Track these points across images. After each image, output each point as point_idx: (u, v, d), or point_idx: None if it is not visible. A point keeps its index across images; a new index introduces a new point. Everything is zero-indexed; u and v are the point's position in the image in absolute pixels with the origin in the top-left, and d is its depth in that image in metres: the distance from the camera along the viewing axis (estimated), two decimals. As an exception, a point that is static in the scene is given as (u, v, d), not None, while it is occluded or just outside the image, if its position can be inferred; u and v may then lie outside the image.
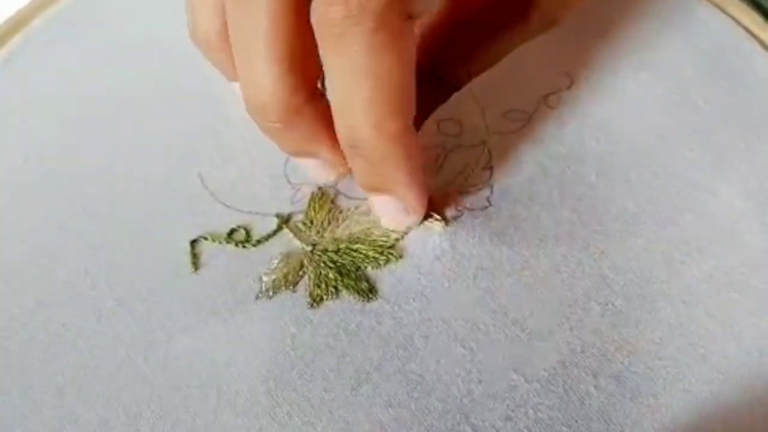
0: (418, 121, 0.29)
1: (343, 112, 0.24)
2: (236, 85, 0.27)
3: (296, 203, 0.29)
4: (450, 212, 0.28)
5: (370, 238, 0.28)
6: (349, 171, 0.27)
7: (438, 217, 0.28)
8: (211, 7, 0.25)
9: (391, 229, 0.28)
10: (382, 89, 0.23)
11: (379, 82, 0.23)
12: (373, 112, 0.23)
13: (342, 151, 0.26)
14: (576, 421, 0.24)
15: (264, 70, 0.24)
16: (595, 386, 0.25)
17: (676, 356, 0.25)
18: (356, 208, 0.29)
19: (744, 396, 0.25)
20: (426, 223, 0.28)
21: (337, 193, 0.30)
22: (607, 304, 0.26)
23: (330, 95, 0.24)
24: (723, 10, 0.33)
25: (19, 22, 0.34)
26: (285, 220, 0.29)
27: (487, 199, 0.29)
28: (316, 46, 0.23)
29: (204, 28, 0.26)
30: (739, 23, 0.32)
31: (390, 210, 0.27)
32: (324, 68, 0.23)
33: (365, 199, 0.29)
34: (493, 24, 0.28)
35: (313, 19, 0.22)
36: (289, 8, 0.23)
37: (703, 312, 0.26)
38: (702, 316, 0.26)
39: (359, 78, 0.23)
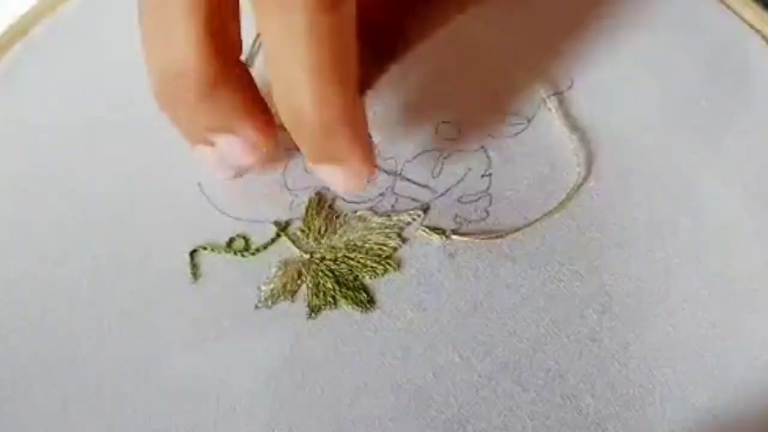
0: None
1: (283, 84, 0.22)
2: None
3: (294, 209, 0.29)
4: (449, 224, 0.28)
5: (366, 246, 0.28)
6: (270, 148, 0.26)
7: (437, 229, 0.28)
8: None
9: (341, 193, 0.28)
10: (326, 55, 0.21)
11: (322, 46, 0.21)
12: (318, 82, 0.22)
13: (264, 128, 0.25)
14: (572, 430, 0.25)
15: (181, 35, 0.22)
16: (592, 395, 0.25)
17: (674, 364, 0.25)
18: (354, 212, 0.29)
19: (743, 406, 0.25)
20: (425, 235, 0.28)
21: (335, 197, 0.29)
22: (604, 312, 0.26)
23: (269, 64, 0.23)
24: (725, 4, 0.32)
25: (20, 30, 0.34)
26: (283, 228, 0.29)
27: (486, 210, 0.28)
28: (236, 10, 0.22)
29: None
30: (742, 18, 0.32)
31: (339, 178, 0.26)
32: (260, 32, 0.22)
33: (363, 202, 0.29)
34: None
35: None
36: None
37: (703, 319, 0.26)
38: (701, 323, 0.26)
39: (300, 41, 0.21)
